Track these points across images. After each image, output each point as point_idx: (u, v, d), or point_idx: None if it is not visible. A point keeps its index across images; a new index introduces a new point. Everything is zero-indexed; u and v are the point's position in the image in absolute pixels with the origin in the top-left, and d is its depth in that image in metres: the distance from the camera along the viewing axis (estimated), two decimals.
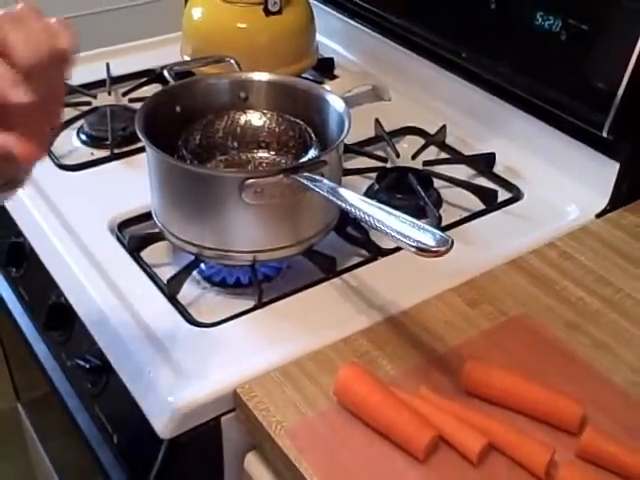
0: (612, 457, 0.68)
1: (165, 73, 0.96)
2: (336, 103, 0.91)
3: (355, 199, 0.74)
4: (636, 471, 0.67)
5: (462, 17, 1.12)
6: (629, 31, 0.90)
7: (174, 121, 0.93)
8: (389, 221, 0.68)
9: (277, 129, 0.96)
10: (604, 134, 0.95)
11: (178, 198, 0.86)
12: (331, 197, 0.76)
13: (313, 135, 0.92)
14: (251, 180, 0.80)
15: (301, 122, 0.94)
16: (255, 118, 0.97)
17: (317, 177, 0.80)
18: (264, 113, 0.96)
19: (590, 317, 0.84)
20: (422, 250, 0.63)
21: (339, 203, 0.75)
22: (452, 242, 0.64)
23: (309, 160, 0.83)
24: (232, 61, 1.00)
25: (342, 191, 0.76)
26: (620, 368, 0.78)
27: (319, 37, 1.33)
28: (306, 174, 0.80)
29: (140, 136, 0.84)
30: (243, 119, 0.96)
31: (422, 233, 0.64)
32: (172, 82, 0.96)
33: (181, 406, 0.74)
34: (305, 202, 0.85)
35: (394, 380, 0.76)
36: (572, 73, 0.97)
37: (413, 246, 0.64)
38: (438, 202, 1.04)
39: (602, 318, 0.84)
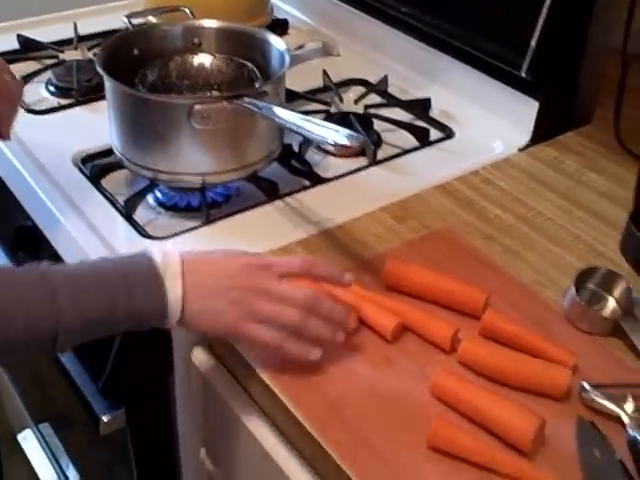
0: (509, 333, 0.77)
1: (124, 19, 1.05)
2: (278, 44, 1.00)
3: (287, 114, 0.84)
4: (529, 343, 0.77)
5: None
6: None
7: (132, 64, 1.02)
8: (313, 127, 0.77)
9: (227, 70, 1.05)
10: (522, 74, 1.05)
11: (134, 126, 0.95)
12: (269, 114, 0.85)
13: (258, 74, 1.02)
14: (198, 106, 0.89)
15: (248, 63, 1.03)
16: (207, 61, 1.06)
17: (258, 102, 0.89)
18: (215, 56, 1.05)
19: (504, 230, 0.94)
20: (338, 146, 0.73)
21: (275, 119, 0.85)
22: (362, 138, 0.74)
23: (251, 89, 0.92)
24: (186, 10, 1.09)
25: (277, 109, 0.85)
26: (527, 270, 0.88)
27: (275, 0, 1.43)
28: (247, 99, 0.89)
29: (98, 69, 0.93)
30: (196, 61, 1.06)
31: (338, 134, 0.74)
32: (131, 28, 1.05)
33: None
34: (249, 129, 0.94)
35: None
36: (495, 20, 1.08)
37: (331, 143, 0.74)
38: (378, 142, 1.14)
39: (515, 231, 0.94)
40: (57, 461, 1.42)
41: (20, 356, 0.68)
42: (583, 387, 0.73)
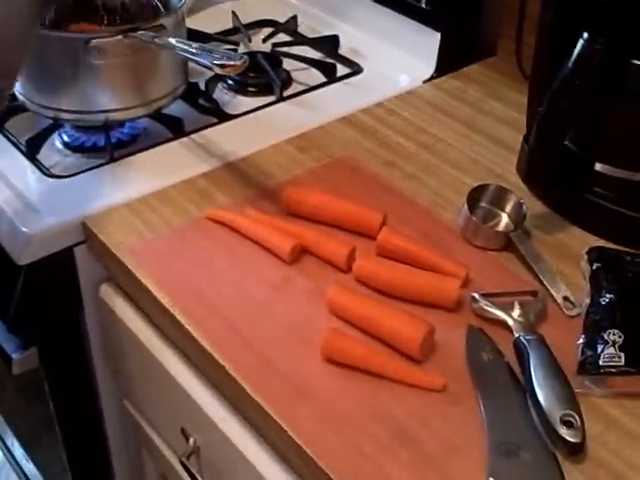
0: (403, 249, 0.80)
1: None
2: None
3: (178, 43, 0.84)
4: (423, 259, 0.79)
5: None
6: None
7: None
8: (202, 53, 0.78)
9: (131, 6, 1.04)
10: (422, 5, 1.06)
11: (33, 66, 0.94)
12: (162, 44, 0.86)
13: (163, 9, 1.01)
14: (94, 41, 0.89)
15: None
16: None
17: (153, 34, 0.89)
18: None
19: (405, 157, 0.96)
20: (224, 66, 0.74)
21: (168, 47, 0.85)
22: (245, 58, 0.75)
23: (147, 23, 0.92)
24: None
25: (170, 39, 0.86)
26: (425, 192, 0.91)
27: None
28: (143, 32, 0.89)
29: None
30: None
31: (225, 58, 0.75)
32: None
33: (34, 234, 0.83)
34: (150, 64, 0.94)
35: (225, 206, 0.86)
36: None
37: (218, 65, 0.75)
38: (288, 80, 1.14)
39: (416, 158, 0.96)
40: None
41: None
42: (473, 297, 0.76)
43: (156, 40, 0.86)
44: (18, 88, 0.98)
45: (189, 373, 0.79)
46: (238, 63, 0.74)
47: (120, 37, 0.89)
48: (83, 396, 0.99)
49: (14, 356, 0.89)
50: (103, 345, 0.96)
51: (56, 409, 0.98)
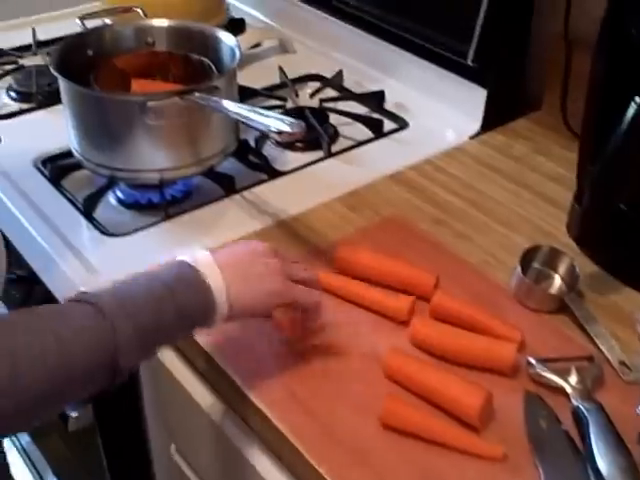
0: (457, 313, 0.80)
1: (77, 21, 1.06)
2: (228, 39, 1.02)
3: (234, 106, 0.86)
4: (477, 322, 0.79)
5: None
6: None
7: (87, 64, 1.04)
8: (258, 117, 0.80)
9: (183, 64, 1.07)
10: (469, 62, 1.08)
11: (89, 126, 0.97)
12: (218, 107, 0.87)
13: (215, 69, 1.04)
14: (151, 102, 0.91)
15: (205, 59, 1.05)
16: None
17: (208, 97, 0.91)
18: (171, 54, 1.07)
19: (455, 215, 0.97)
20: (282, 133, 0.76)
21: (224, 111, 0.87)
22: (303, 125, 0.76)
23: (202, 85, 0.94)
24: (139, 10, 1.11)
25: (225, 102, 0.88)
26: (476, 252, 0.91)
27: (232, 0, 1.45)
28: (198, 94, 0.91)
29: (52, 70, 0.94)
30: None
31: (282, 122, 0.77)
32: (84, 30, 1.07)
33: None
34: (203, 124, 0.96)
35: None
36: (440, 11, 1.10)
37: (275, 131, 0.76)
38: (334, 135, 1.16)
39: (465, 215, 0.97)
40: (34, 466, 1.43)
41: (80, 394, 0.65)
42: (529, 362, 0.76)
43: (212, 103, 0.88)
44: (75, 146, 1.00)
45: (244, 434, 0.80)
46: (296, 131, 0.75)
47: (176, 99, 0.91)
48: (135, 450, 1.00)
49: (71, 414, 0.91)
50: (156, 401, 0.97)
51: (109, 463, 0.99)
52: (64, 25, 1.41)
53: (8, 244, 0.99)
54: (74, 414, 0.91)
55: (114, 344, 0.62)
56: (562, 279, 0.85)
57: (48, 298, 0.92)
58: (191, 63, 1.05)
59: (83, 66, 1.02)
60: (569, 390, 0.73)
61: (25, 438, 1.20)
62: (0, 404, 0.57)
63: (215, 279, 0.69)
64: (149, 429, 1.00)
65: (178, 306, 0.67)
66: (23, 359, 0.58)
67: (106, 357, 0.62)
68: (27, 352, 0.58)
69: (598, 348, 0.78)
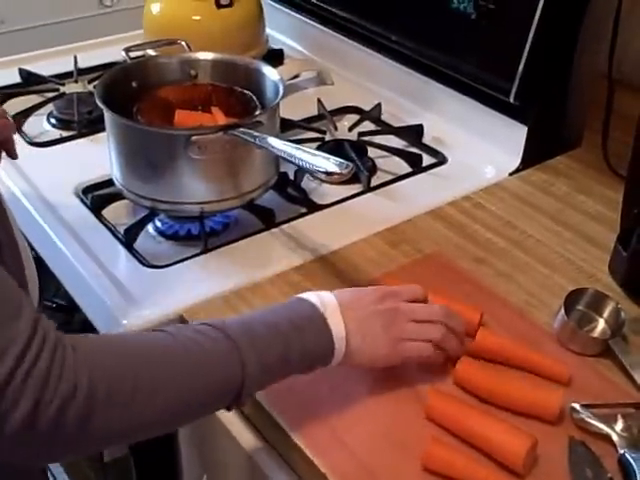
0: (502, 350, 0.80)
1: (122, 53, 1.08)
2: (271, 74, 1.03)
3: (280, 144, 0.86)
4: (523, 359, 0.79)
5: (391, 5, 1.25)
6: (528, 7, 1.03)
7: (131, 95, 1.05)
8: (305, 156, 0.80)
9: (226, 99, 1.07)
10: (511, 100, 1.07)
11: (133, 157, 0.98)
12: (263, 144, 0.88)
13: (258, 102, 1.04)
14: (195, 137, 0.92)
15: (248, 92, 1.06)
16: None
17: (253, 132, 0.91)
18: (214, 86, 1.08)
19: (495, 253, 0.96)
20: (329, 174, 0.76)
21: (269, 149, 0.87)
22: (351, 166, 0.76)
23: (246, 120, 0.95)
24: (183, 43, 1.12)
25: (271, 139, 0.88)
26: (517, 292, 0.90)
27: (271, 32, 1.46)
28: (243, 130, 0.91)
29: (97, 101, 0.95)
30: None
31: (329, 162, 0.77)
32: (129, 61, 1.08)
33: (134, 326, 0.85)
34: (245, 158, 0.97)
35: None
36: (482, 48, 1.10)
37: (322, 171, 0.76)
38: (373, 169, 1.16)
39: (506, 254, 0.96)
40: None
41: (196, 417, 0.69)
42: (574, 408, 0.75)
43: (258, 141, 0.88)
44: (117, 176, 1.01)
45: (281, 471, 0.79)
46: (344, 172, 0.75)
47: (220, 134, 0.92)
48: None
49: None
50: (191, 432, 0.97)
51: None
52: (105, 52, 1.44)
53: (48, 272, 0.99)
54: None
55: (242, 377, 0.66)
56: (606, 323, 0.84)
57: (86, 327, 0.92)
58: (234, 96, 1.06)
59: (127, 97, 1.03)
60: (615, 438, 0.72)
61: (58, 468, 1.20)
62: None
63: (337, 324, 0.71)
64: (183, 461, 1.00)
65: (304, 346, 0.70)
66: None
67: (232, 387, 0.66)
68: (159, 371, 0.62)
69: None
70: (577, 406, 0.74)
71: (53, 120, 1.27)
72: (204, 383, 0.65)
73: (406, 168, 1.15)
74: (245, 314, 0.72)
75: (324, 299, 0.73)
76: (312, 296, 0.73)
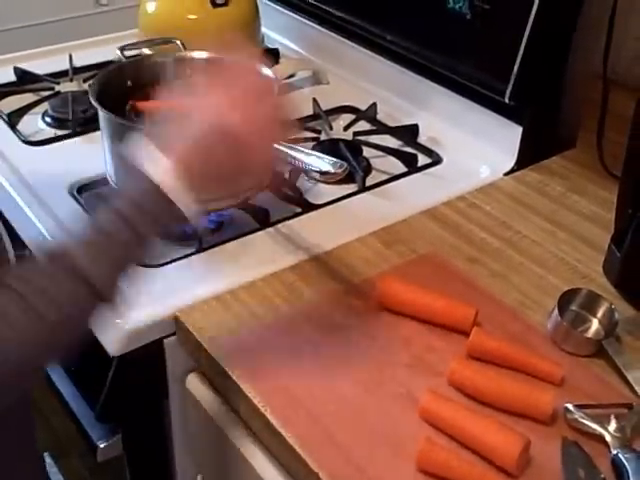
0: (496, 350, 0.80)
1: (117, 52, 1.08)
2: (267, 73, 1.03)
3: None
4: (517, 359, 0.79)
5: (387, 5, 1.25)
6: (523, 8, 1.03)
7: (125, 94, 1.05)
8: (299, 156, 0.80)
9: None
10: (506, 100, 1.07)
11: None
12: None
13: None
14: None
15: None
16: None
17: None
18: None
19: (490, 253, 0.96)
20: (324, 173, 0.76)
21: None
22: (346, 166, 0.76)
23: None
24: (178, 42, 1.12)
25: None
26: (511, 292, 0.90)
27: (267, 31, 1.46)
28: None
29: (92, 101, 0.95)
30: None
31: (324, 162, 0.77)
32: (124, 60, 1.08)
33: (128, 327, 0.85)
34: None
35: (312, 302, 0.87)
36: (478, 48, 1.10)
37: (317, 171, 0.76)
38: (368, 168, 1.16)
39: (500, 254, 0.96)
40: None
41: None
42: (567, 408, 0.75)
43: None
44: (112, 176, 1.01)
45: (275, 472, 0.79)
46: (338, 171, 0.75)
47: None
48: None
49: (100, 444, 0.90)
50: (184, 432, 0.97)
51: None
52: (100, 51, 1.43)
53: None
54: (103, 444, 0.91)
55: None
56: (600, 323, 0.84)
57: None
58: None
59: (122, 96, 1.03)
60: (608, 438, 0.72)
61: (53, 468, 1.20)
62: None
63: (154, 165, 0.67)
64: (177, 460, 1.00)
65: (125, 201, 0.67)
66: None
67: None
68: None
69: (637, 395, 0.77)
70: (570, 406, 0.75)
71: (48, 119, 1.27)
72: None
73: (401, 168, 1.15)
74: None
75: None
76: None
